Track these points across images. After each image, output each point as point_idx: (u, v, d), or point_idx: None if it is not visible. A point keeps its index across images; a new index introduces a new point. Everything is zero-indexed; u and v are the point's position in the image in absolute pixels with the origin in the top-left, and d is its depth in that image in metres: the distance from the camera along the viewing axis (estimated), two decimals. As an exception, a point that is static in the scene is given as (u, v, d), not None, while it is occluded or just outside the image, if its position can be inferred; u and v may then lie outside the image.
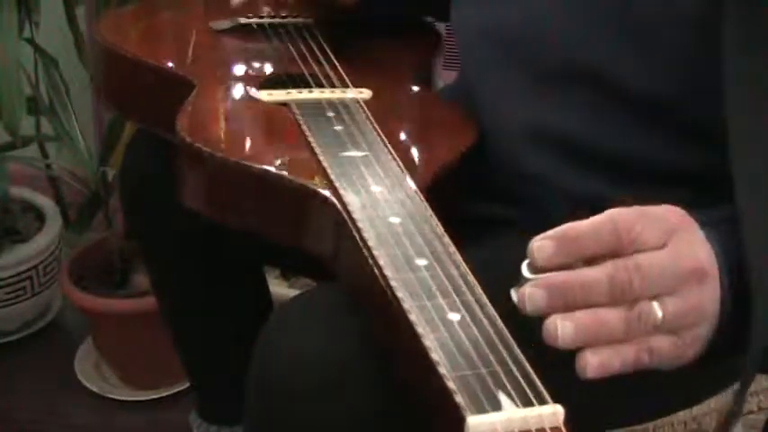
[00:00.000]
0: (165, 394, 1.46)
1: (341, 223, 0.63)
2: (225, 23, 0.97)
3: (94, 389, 1.46)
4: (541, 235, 0.52)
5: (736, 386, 0.80)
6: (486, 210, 0.81)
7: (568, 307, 0.50)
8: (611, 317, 0.51)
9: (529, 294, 0.50)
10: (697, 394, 0.79)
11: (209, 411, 1.14)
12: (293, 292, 1.44)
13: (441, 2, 0.92)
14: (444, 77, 1.42)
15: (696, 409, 0.79)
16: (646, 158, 0.73)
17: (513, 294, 0.52)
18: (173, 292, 1.06)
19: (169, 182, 0.75)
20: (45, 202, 1.61)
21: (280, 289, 1.50)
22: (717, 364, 0.58)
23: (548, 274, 0.50)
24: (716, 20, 0.62)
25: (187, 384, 1.42)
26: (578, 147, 0.74)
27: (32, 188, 1.63)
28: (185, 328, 1.09)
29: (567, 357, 0.51)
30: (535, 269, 0.51)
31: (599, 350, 0.50)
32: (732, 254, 0.56)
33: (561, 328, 0.49)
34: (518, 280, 0.52)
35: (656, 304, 0.51)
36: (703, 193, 0.65)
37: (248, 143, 0.76)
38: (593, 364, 0.50)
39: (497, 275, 0.58)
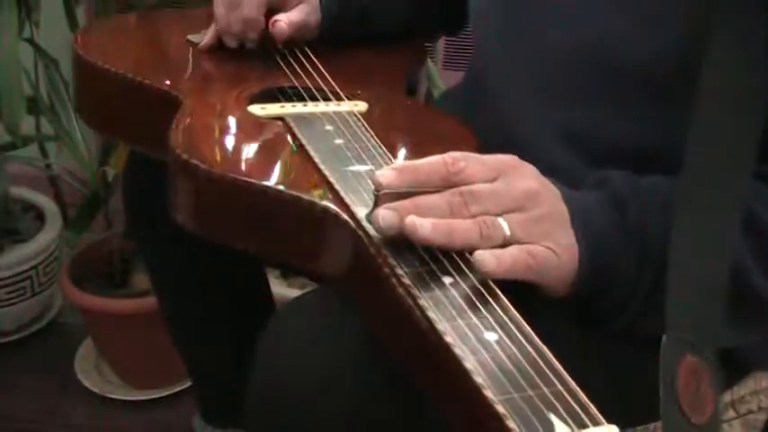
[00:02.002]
0: (165, 394, 1.46)
1: (355, 240, 0.60)
2: (201, 36, 0.93)
3: (94, 389, 1.46)
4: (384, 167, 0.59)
5: (737, 387, 0.80)
6: None
7: None
8: (463, 221, 0.57)
9: (382, 215, 0.56)
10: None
11: (212, 413, 1.14)
12: (293, 292, 1.44)
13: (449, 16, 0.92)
14: (444, 77, 1.43)
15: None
16: (659, 147, 0.71)
17: (364, 217, 0.59)
18: (173, 293, 1.06)
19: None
20: (45, 202, 1.61)
21: (280, 289, 1.50)
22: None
23: (398, 202, 0.57)
24: None
25: (187, 384, 1.42)
26: (588, 137, 0.74)
27: (32, 188, 1.64)
28: (186, 328, 1.09)
29: (578, 366, 0.50)
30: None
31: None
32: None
33: (420, 222, 0.55)
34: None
35: (499, 218, 0.58)
36: None
37: (248, 159, 0.72)
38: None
39: (525, 293, 0.57)
